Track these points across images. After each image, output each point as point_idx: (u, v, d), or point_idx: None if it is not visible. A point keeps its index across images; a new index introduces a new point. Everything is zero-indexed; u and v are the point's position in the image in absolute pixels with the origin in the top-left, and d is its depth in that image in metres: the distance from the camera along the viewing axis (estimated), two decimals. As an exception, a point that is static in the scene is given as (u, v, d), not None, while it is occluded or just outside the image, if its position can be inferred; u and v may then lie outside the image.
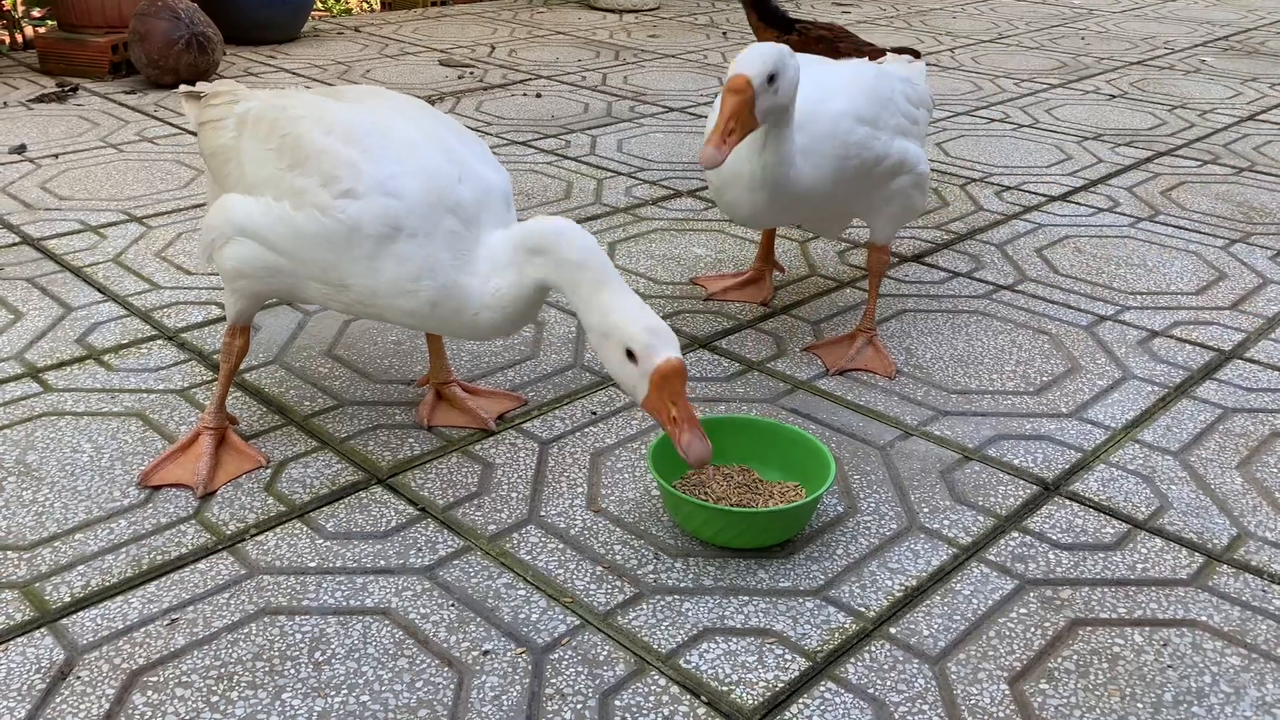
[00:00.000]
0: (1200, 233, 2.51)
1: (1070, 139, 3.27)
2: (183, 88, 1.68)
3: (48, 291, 2.11)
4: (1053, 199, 2.74)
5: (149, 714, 1.12)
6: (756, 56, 1.49)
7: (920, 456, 1.60)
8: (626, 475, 1.54)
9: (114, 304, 2.06)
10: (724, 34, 4.94)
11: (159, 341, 1.91)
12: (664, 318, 2.03)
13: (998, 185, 2.84)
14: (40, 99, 3.52)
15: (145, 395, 1.74)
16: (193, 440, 1.55)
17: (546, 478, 1.54)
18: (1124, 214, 2.63)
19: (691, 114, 3.52)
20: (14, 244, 2.34)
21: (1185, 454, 1.62)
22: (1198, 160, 3.07)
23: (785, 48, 1.53)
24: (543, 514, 1.45)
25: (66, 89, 3.64)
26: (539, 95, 3.72)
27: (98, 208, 2.57)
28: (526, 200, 2.67)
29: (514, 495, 1.49)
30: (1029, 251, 2.39)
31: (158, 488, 1.49)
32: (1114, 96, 3.81)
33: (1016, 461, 1.59)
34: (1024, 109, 3.62)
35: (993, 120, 3.47)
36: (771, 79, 1.49)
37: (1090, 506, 1.49)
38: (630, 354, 1.26)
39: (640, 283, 2.19)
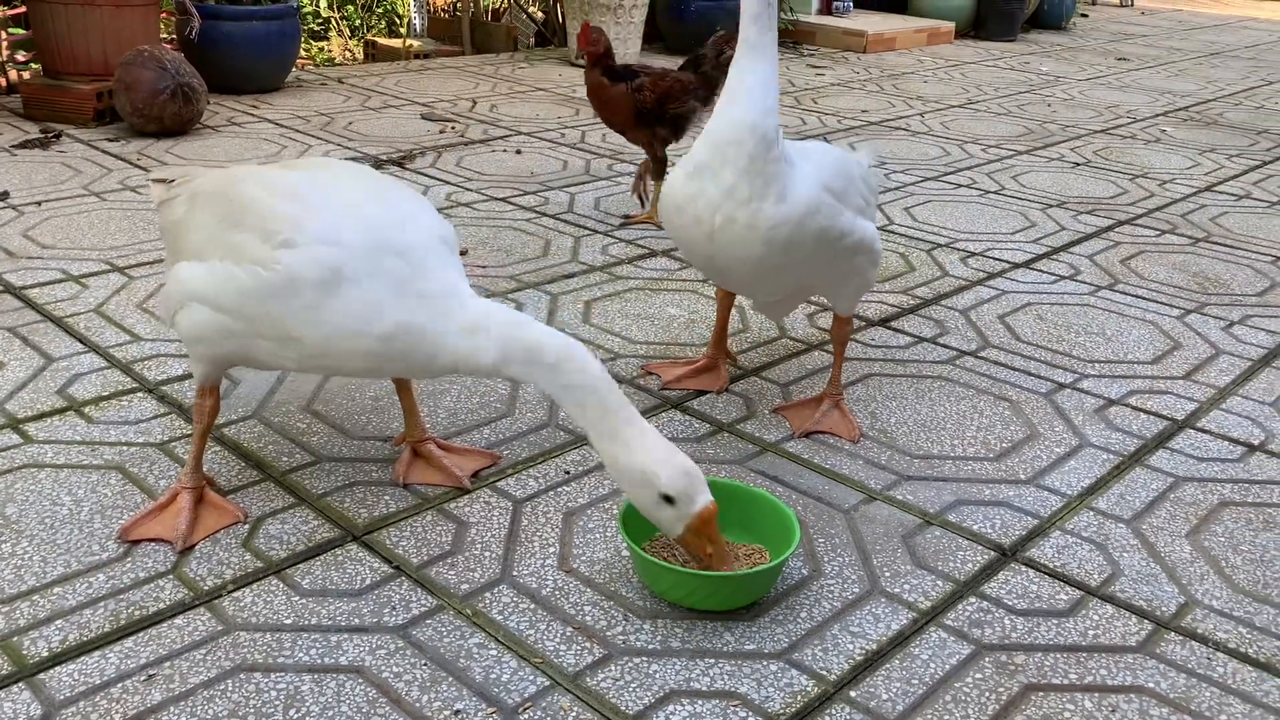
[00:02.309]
0: (1157, 302, 2.60)
1: (1034, 206, 3.38)
2: (153, 173, 1.73)
3: (29, 341, 2.14)
4: (1016, 265, 2.82)
5: (124, 770, 1.15)
6: None
7: (883, 520, 1.65)
8: (598, 535, 1.58)
9: (95, 355, 2.09)
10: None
11: (139, 394, 1.94)
12: (635, 377, 2.08)
13: (963, 251, 2.92)
14: (23, 144, 3.55)
15: (125, 448, 1.76)
16: (172, 499, 1.57)
17: (519, 537, 1.57)
18: (1084, 282, 2.72)
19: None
20: (-5, 293, 2.37)
21: (1137, 522, 1.68)
22: (1156, 230, 3.17)
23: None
24: (515, 573, 1.49)
25: (50, 135, 3.68)
26: (519, 151, 3.80)
27: (80, 256, 2.60)
28: (506, 256, 2.73)
29: (487, 555, 1.53)
30: (992, 318, 2.46)
31: (136, 542, 1.52)
32: (1077, 165, 3.93)
33: (975, 527, 1.65)
34: (991, 175, 3.73)
35: (960, 186, 3.57)
36: None
37: (1045, 573, 1.54)
38: (667, 499, 1.34)
39: (615, 341, 2.24)
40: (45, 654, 1.31)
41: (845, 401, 1.98)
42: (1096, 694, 1.31)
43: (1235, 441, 1.94)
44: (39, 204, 2.97)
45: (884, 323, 2.41)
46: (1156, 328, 2.44)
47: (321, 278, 1.37)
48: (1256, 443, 1.94)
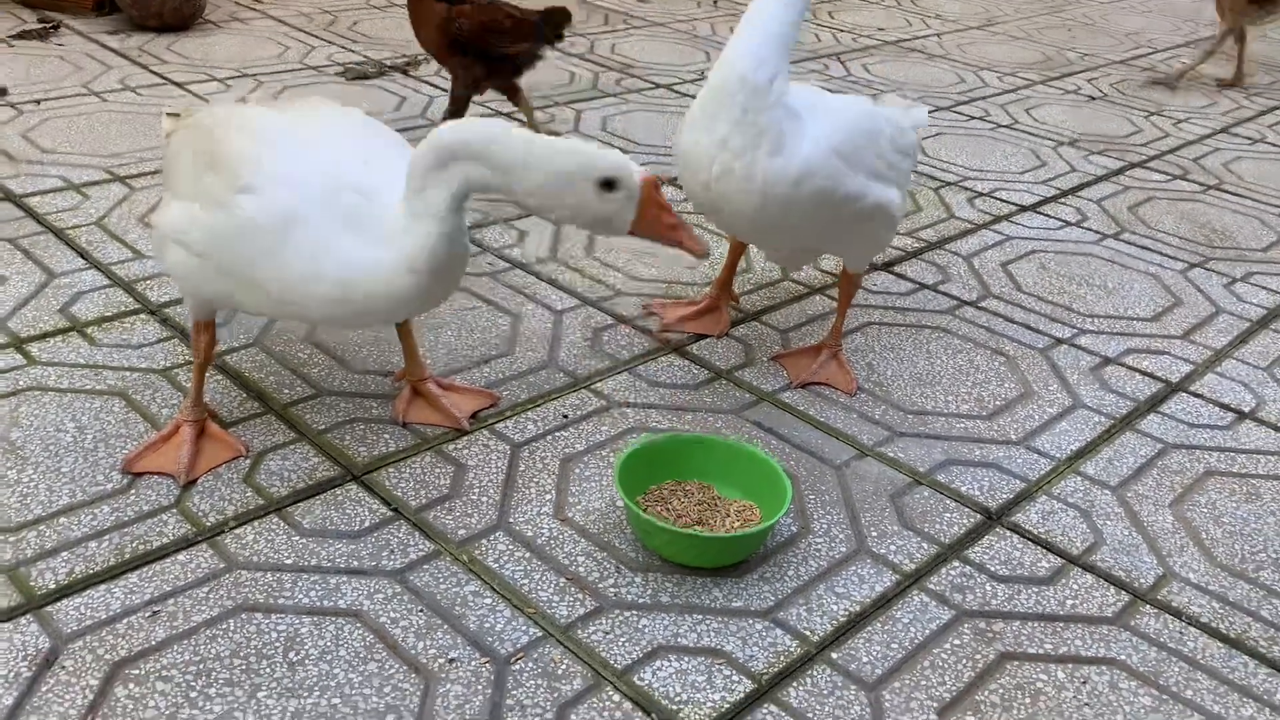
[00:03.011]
0: (1162, 254, 2.59)
1: (1046, 143, 3.33)
2: (166, 108, 1.71)
3: (30, 255, 2.13)
4: (1023, 209, 2.80)
5: (130, 707, 1.19)
6: None
7: (873, 478, 1.68)
8: (594, 484, 1.61)
9: (97, 272, 2.09)
10: (714, 2, 4.93)
11: (141, 316, 1.95)
12: (636, 317, 2.09)
13: (971, 191, 2.90)
14: (21, 35, 3.48)
15: (128, 373, 1.78)
16: (174, 431, 1.59)
17: (516, 483, 1.60)
18: (1091, 229, 2.70)
19: (677, 92, 3.54)
20: (-4, 199, 2.36)
21: (1123, 489, 1.71)
22: (1167, 174, 3.14)
23: None
24: (511, 520, 1.52)
25: (49, 26, 3.60)
26: (526, 61, 3.72)
27: (80, 163, 2.57)
28: (509, 180, 2.70)
29: (484, 500, 1.56)
30: (995, 265, 2.46)
31: (140, 475, 1.55)
32: (1093, 98, 3.87)
33: (963, 489, 1.68)
34: (1004, 107, 3.67)
35: (972, 118, 3.52)
36: None
37: (1029, 539, 1.58)
38: (606, 183, 1.28)
39: (617, 278, 2.24)
40: (53, 586, 1.34)
41: (844, 352, 2.00)
42: (1070, 665, 1.36)
43: (1226, 408, 1.96)
44: (38, 102, 2.93)
45: (887, 267, 2.41)
46: (1159, 282, 2.44)
47: (274, 223, 1.36)
48: (1247, 409, 1.96)
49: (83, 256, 2.14)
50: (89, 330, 1.89)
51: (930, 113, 3.51)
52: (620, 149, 2.93)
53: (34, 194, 2.39)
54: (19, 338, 1.85)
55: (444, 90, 3.35)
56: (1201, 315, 2.31)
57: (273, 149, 1.40)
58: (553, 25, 2.66)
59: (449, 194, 1.34)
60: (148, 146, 2.70)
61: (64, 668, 1.23)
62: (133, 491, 1.51)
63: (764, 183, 1.65)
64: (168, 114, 1.70)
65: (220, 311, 1.73)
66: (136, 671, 1.23)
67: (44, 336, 1.86)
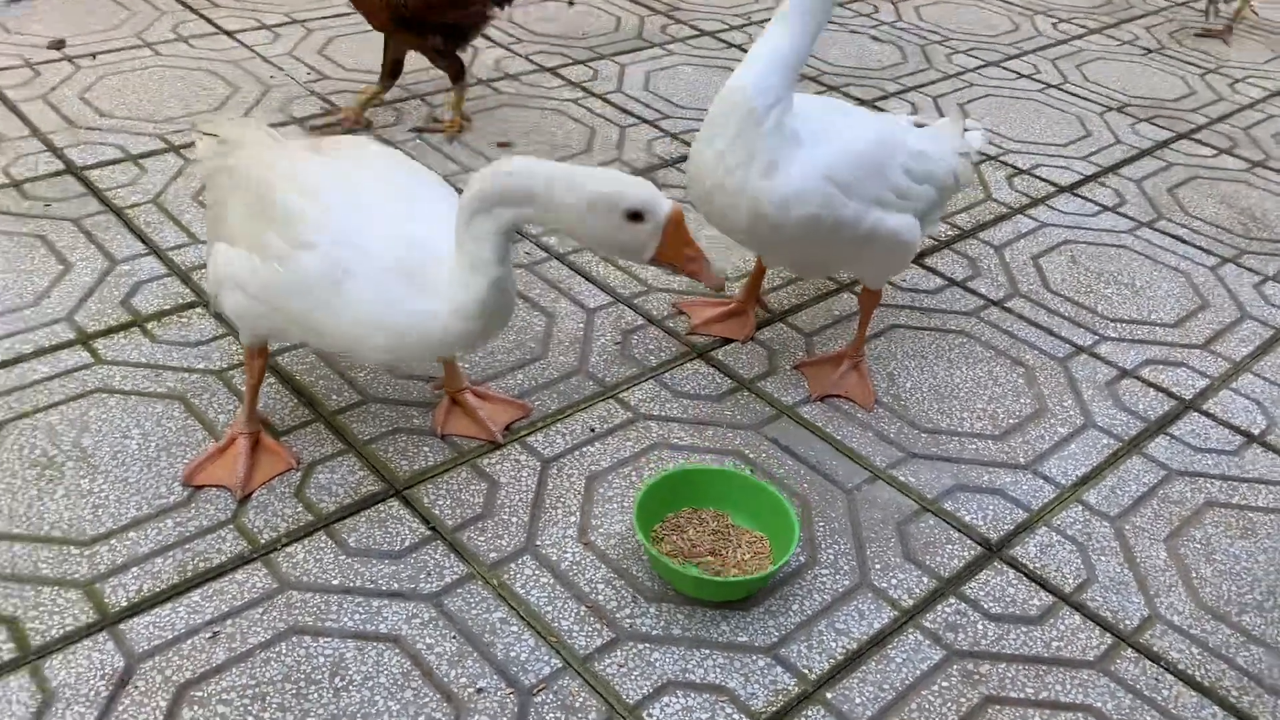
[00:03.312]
0: (1195, 245, 2.60)
1: (1094, 109, 3.29)
2: (201, 126, 1.77)
3: (93, 238, 2.24)
4: (1061, 190, 2.81)
5: (196, 729, 1.35)
6: None
7: (882, 505, 1.78)
8: (616, 505, 1.72)
9: (155, 259, 2.20)
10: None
11: (198, 310, 2.06)
12: (666, 318, 2.17)
13: (1012, 167, 2.90)
14: (75, -28, 3.52)
15: (186, 374, 1.90)
16: (230, 443, 1.72)
17: (544, 503, 1.72)
18: (1126, 215, 2.71)
19: (723, 40, 3.52)
20: (59, 172, 2.45)
21: (1121, 520, 1.79)
22: (1214, 149, 3.11)
23: None
24: (538, 543, 1.64)
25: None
26: (571, 3, 3.71)
27: (136, 129, 2.66)
28: (550, 151, 2.75)
29: (514, 521, 1.68)
30: (1026, 258, 2.49)
31: (199, 487, 1.68)
32: (1149, 51, 3.78)
33: (967, 518, 1.77)
34: (1056, 62, 3.61)
35: (1021, 76, 3.47)
36: None
37: (1025, 574, 1.67)
38: (633, 215, 1.35)
39: (649, 271, 2.31)
40: (124, 604, 1.49)
41: (866, 360, 2.07)
42: (1048, 710, 1.47)
43: (1236, 430, 2.02)
44: (94, 56, 3.00)
45: (919, 259, 2.45)
46: (1188, 280, 2.46)
47: (333, 277, 1.45)
48: (1257, 432, 2.02)
49: (142, 240, 2.25)
50: (149, 326, 2.01)
51: (981, 67, 3.47)
52: (661, 112, 2.97)
53: (94, 166, 2.49)
54: (85, 333, 1.98)
55: (488, 40, 3.36)
56: (1226, 320, 2.34)
57: (328, 205, 1.48)
58: None
59: (495, 238, 1.41)
60: (198, 111, 2.77)
61: (136, 688, 1.39)
62: (193, 505, 1.65)
63: (752, 201, 1.72)
64: (203, 133, 1.78)
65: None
66: (200, 694, 1.39)
67: (108, 332, 1.99)
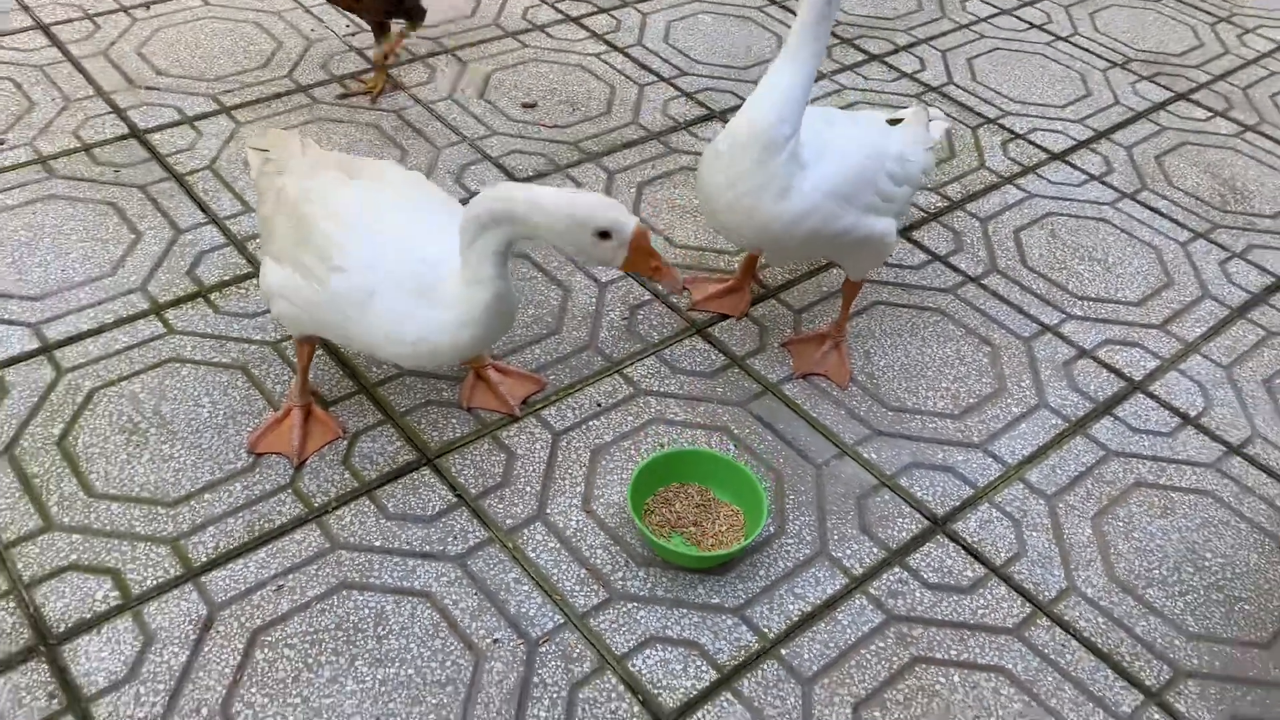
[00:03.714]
0: (1172, 219, 2.78)
1: (1098, 65, 3.41)
2: (250, 142, 2.00)
3: (159, 206, 2.50)
4: (1053, 156, 2.97)
5: (266, 669, 1.67)
6: None
7: (846, 480, 2.05)
8: (616, 477, 2.00)
9: (214, 228, 2.45)
10: None
11: (252, 281, 2.33)
12: (670, 294, 2.41)
13: (1008, 132, 3.06)
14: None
15: (247, 345, 2.18)
16: (286, 414, 2.01)
17: (554, 473, 2.00)
18: (1111, 185, 2.88)
19: (744, -15, 3.64)
20: (124, 136, 2.70)
21: (1056, 498, 2.05)
22: (1210, 110, 3.24)
23: None
24: (548, 511, 1.94)
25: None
26: (600, -60, 3.82)
27: (190, 89, 2.88)
28: (571, 112, 2.94)
29: (528, 490, 1.97)
30: (1008, 231, 2.69)
31: (261, 454, 1.98)
32: (1164, -4, 3.86)
33: (919, 493, 2.04)
34: (1069, 10, 3.70)
35: (1031, 27, 3.58)
36: None
37: (963, 547, 1.95)
38: (603, 234, 1.60)
39: (658, 242, 2.54)
40: (205, 559, 1.81)
41: (847, 339, 2.31)
42: (966, 670, 1.77)
43: (1175, 411, 2.25)
44: (147, 6, 3.20)
45: (907, 231, 2.66)
46: (1158, 256, 2.66)
47: (361, 298, 1.71)
48: (1193, 414, 2.25)
49: (202, 209, 2.50)
50: (212, 296, 2.28)
51: (994, 15, 3.57)
52: (678, 68, 3.10)
53: (155, 129, 2.73)
54: (158, 304, 2.26)
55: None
56: (1186, 300, 2.54)
57: (356, 234, 1.72)
58: None
59: (492, 256, 1.66)
60: (247, 69, 2.98)
61: (218, 632, 1.71)
62: (256, 471, 1.95)
63: (766, 220, 1.94)
64: (252, 148, 2.01)
65: None
66: (269, 639, 1.71)
67: (178, 303, 2.26)
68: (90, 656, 1.66)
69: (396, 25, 2.93)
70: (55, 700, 1.60)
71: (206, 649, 1.69)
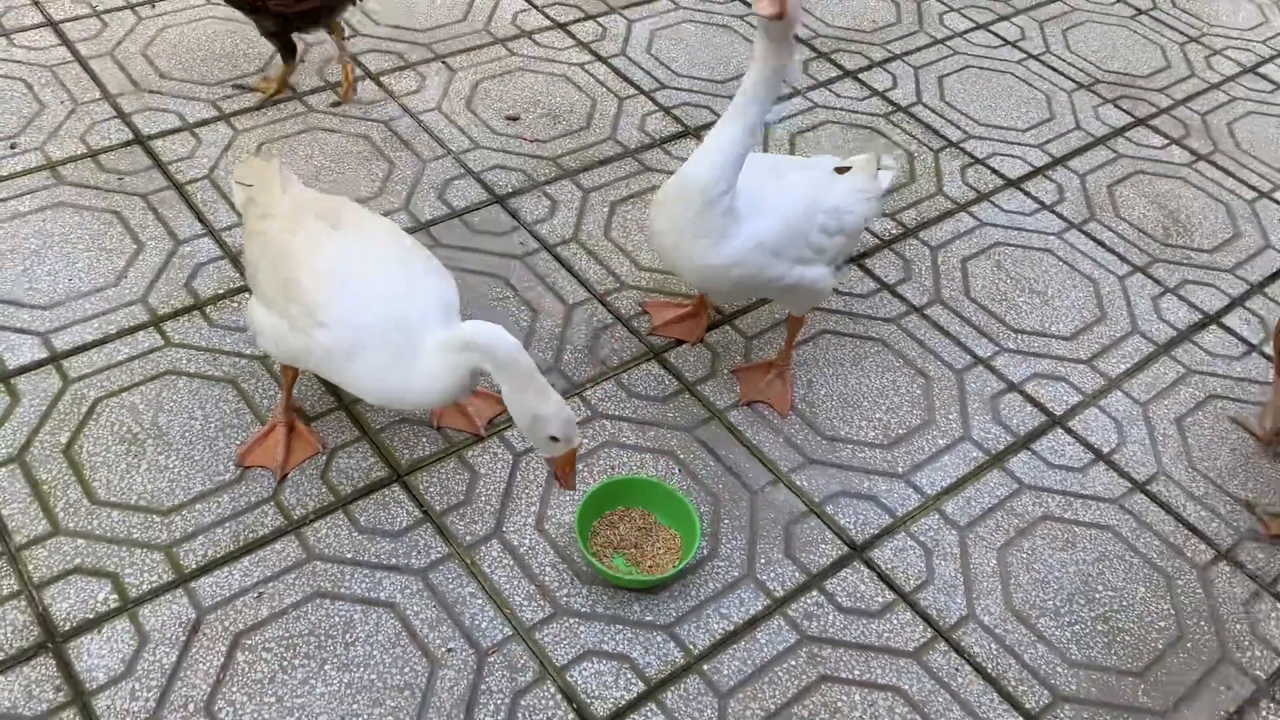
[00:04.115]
0: (1114, 251, 2.95)
1: (1065, 86, 3.54)
2: (235, 173, 2.18)
3: (160, 215, 2.68)
4: (1009, 183, 3.13)
5: (246, 670, 1.90)
6: None
7: (778, 506, 2.25)
8: (568, 498, 2.21)
9: (211, 240, 2.64)
10: None
11: (245, 294, 2.52)
12: (631, 317, 2.59)
13: (969, 156, 3.21)
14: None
15: (237, 360, 2.38)
16: (271, 429, 2.22)
17: (513, 492, 2.21)
18: (1060, 215, 3.04)
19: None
20: (128, 142, 2.87)
21: (967, 529, 2.26)
22: (1167, 138, 3.38)
23: None
24: (505, 529, 2.15)
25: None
26: (593, -61, 3.93)
27: (191, 94, 3.04)
28: (553, 125, 3.10)
29: (488, 509, 2.18)
30: (956, 261, 2.86)
31: (248, 467, 2.19)
32: (1139, 13, 3.96)
33: (843, 521, 2.24)
34: (1043, 26, 3.82)
35: (1005, 44, 3.70)
36: None
37: (877, 573, 2.16)
38: (552, 437, 1.88)
39: (624, 266, 2.72)
40: (195, 565, 2.03)
41: (793, 366, 2.50)
42: (866, 689, 1.99)
43: (1089, 447, 2.45)
44: (152, 4, 3.34)
45: (861, 259, 2.83)
46: (1095, 290, 2.83)
47: (345, 351, 1.90)
48: (1106, 450, 2.45)
49: (200, 219, 2.68)
50: (208, 309, 2.48)
51: (970, 30, 3.69)
52: (659, 81, 3.23)
53: (157, 135, 2.90)
54: (157, 315, 2.45)
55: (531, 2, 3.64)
56: (1116, 335, 2.72)
57: (339, 292, 1.90)
58: None
59: (466, 365, 1.89)
60: (246, 73, 3.13)
61: (204, 634, 1.94)
62: (243, 483, 2.16)
63: (700, 266, 2.14)
64: (238, 183, 2.19)
65: None
66: (249, 642, 1.93)
67: (175, 315, 2.46)
68: (92, 654, 1.89)
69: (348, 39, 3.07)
70: (61, 693, 1.83)
71: (194, 650, 1.91)
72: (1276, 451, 2.50)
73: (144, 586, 1.99)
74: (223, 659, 1.91)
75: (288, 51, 2.97)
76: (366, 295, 1.92)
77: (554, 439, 1.88)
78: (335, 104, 3.07)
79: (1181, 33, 3.89)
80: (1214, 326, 2.78)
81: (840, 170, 2.34)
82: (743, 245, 2.11)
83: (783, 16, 1.84)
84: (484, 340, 1.85)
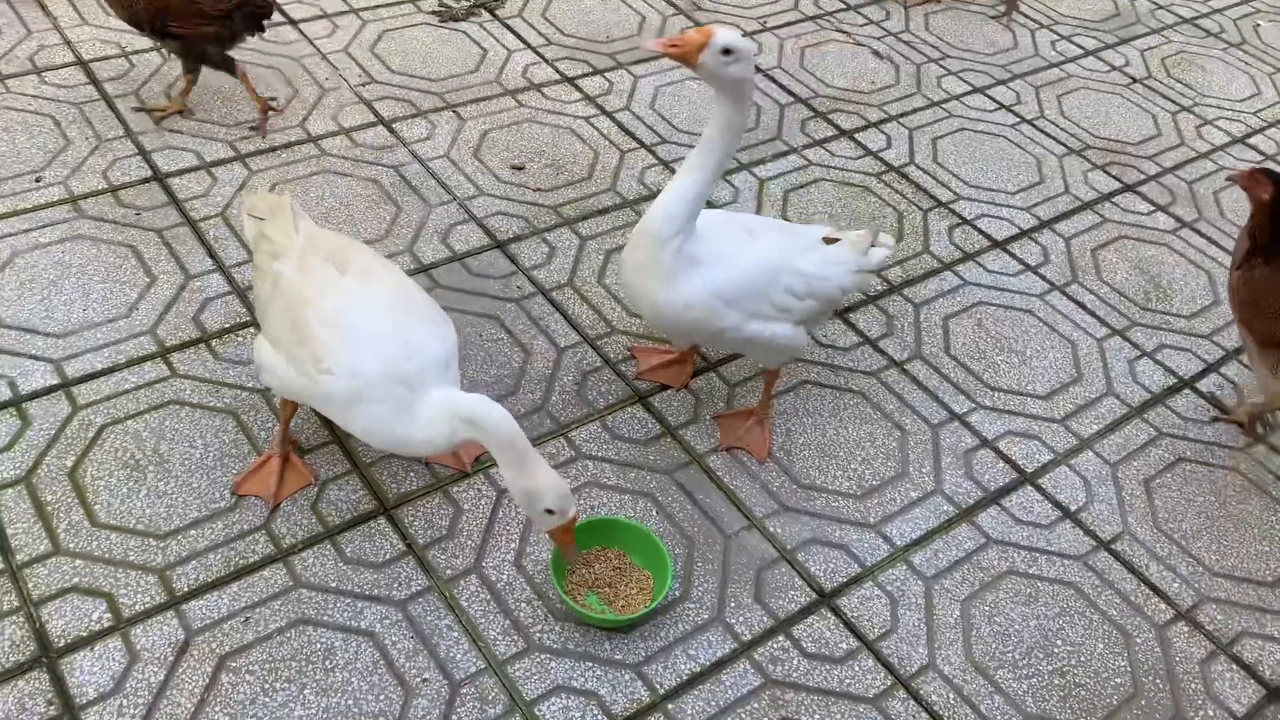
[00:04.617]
0: (1094, 314, 3.03)
1: (1056, 150, 3.64)
2: (247, 204, 2.30)
3: (173, 250, 2.80)
4: (995, 244, 3.22)
5: (229, 690, 1.98)
6: (730, 31, 2.04)
7: (750, 550, 2.33)
8: (547, 536, 2.30)
9: (220, 275, 2.76)
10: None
11: (249, 330, 2.63)
12: (619, 361, 2.69)
13: (957, 217, 3.31)
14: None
15: (239, 392, 2.49)
16: (266, 460, 2.32)
17: (494, 529, 2.30)
18: (1044, 277, 3.13)
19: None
20: (147, 179, 3.00)
21: (933, 580, 2.33)
22: (1153, 204, 3.47)
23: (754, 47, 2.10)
24: (484, 564, 2.23)
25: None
26: (605, -5, 4.07)
27: (210, 134, 3.18)
28: (555, 175, 3.22)
29: (469, 544, 2.27)
30: (938, 318, 2.95)
31: (242, 496, 2.28)
32: (1134, 81, 4.06)
33: (813, 568, 2.32)
34: (1039, 90, 3.93)
35: (1001, 107, 3.81)
36: (728, 52, 2.03)
37: (842, 621, 2.24)
38: (549, 510, 1.99)
39: (615, 313, 2.81)
40: (186, 589, 2.12)
41: (773, 413, 2.59)
42: (825, 732, 2.06)
43: (1057, 505, 2.52)
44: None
45: (845, 313, 2.92)
46: (1073, 351, 2.91)
47: (348, 399, 2.00)
48: (1074, 508, 2.52)
49: (210, 255, 2.81)
50: (213, 343, 2.59)
51: (968, 93, 3.80)
52: (660, 136, 3.34)
53: (175, 174, 3.03)
54: (165, 347, 2.56)
55: (520, 40, 3.77)
56: (1091, 396, 2.80)
57: (345, 341, 2.00)
58: (249, 18, 3.03)
59: (458, 432, 2.00)
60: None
61: (192, 655, 2.03)
62: (237, 511, 2.26)
63: (654, 302, 2.26)
64: (250, 215, 2.30)
65: None
66: (234, 664, 2.02)
67: (182, 347, 2.57)
68: (84, 670, 1.98)
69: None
70: (52, 706, 1.92)
71: (181, 670, 2.00)
72: (1253, 433, 2.62)
73: (137, 607, 2.08)
74: (208, 679, 1.99)
75: (193, 73, 3.14)
76: (372, 346, 2.01)
77: (549, 512, 1.99)
78: (254, 128, 3.22)
79: (1174, 102, 3.99)
80: (1187, 391, 2.85)
81: (829, 240, 2.44)
82: (695, 289, 2.21)
83: (689, 61, 2.00)
84: (481, 418, 1.96)
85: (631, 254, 2.25)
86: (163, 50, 3.10)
